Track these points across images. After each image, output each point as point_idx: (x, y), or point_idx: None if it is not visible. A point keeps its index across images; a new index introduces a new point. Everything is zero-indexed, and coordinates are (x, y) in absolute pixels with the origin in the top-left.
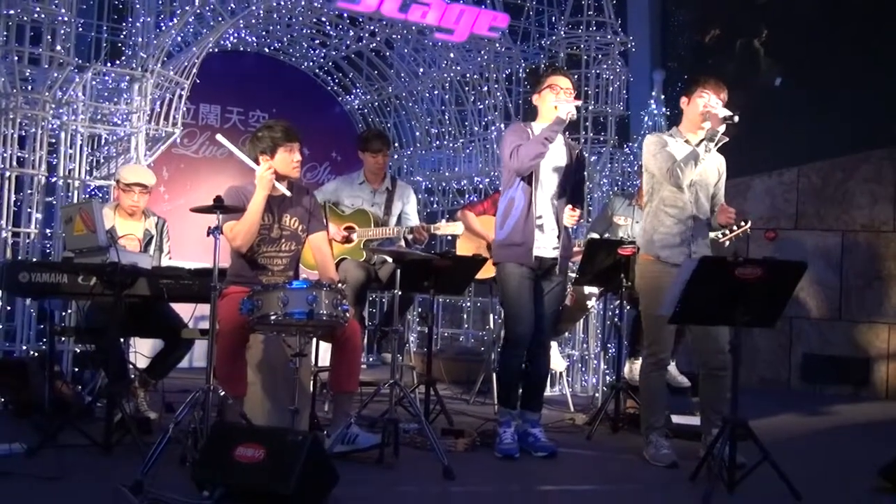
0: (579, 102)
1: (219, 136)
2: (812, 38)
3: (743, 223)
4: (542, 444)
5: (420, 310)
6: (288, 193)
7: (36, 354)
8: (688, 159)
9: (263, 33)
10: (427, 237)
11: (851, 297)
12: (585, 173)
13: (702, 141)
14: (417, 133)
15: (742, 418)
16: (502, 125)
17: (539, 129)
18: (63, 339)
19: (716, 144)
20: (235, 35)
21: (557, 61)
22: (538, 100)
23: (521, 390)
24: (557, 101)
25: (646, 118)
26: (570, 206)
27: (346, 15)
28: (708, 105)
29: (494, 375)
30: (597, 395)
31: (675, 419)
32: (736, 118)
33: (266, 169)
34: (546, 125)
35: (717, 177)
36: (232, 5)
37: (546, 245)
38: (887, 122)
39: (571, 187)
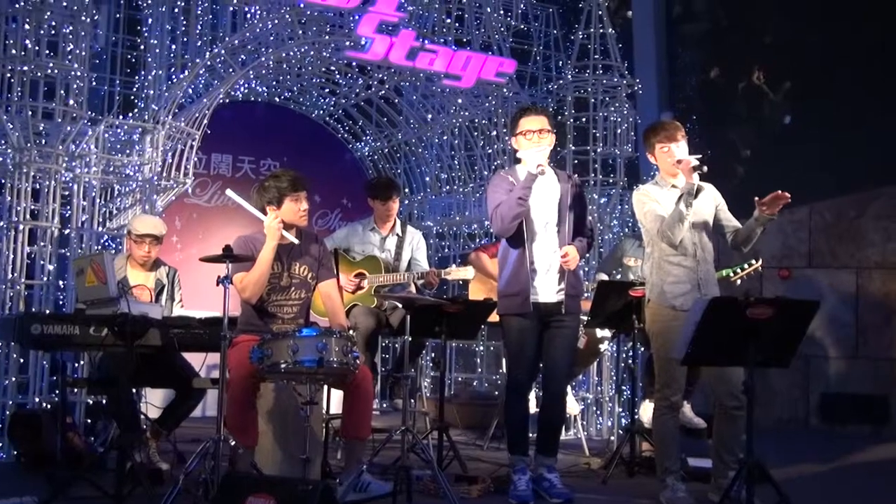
0: (548, 147)
1: (228, 192)
2: (821, 75)
3: (754, 261)
4: (557, 490)
5: (433, 355)
6: (296, 241)
7: (48, 406)
8: (673, 221)
9: (274, 83)
10: (438, 283)
11: (868, 335)
12: (587, 204)
13: (681, 197)
14: (427, 178)
15: (759, 460)
16: None
17: (523, 174)
18: (75, 390)
19: (696, 196)
20: (246, 85)
21: (565, 105)
22: (515, 144)
23: (536, 435)
24: (525, 151)
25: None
26: (562, 250)
27: (354, 64)
28: (673, 157)
29: None
30: (612, 438)
31: (692, 462)
32: (705, 168)
33: (273, 219)
34: (525, 175)
35: (714, 209)
36: (242, 56)
37: (546, 289)
38: None
39: (573, 223)
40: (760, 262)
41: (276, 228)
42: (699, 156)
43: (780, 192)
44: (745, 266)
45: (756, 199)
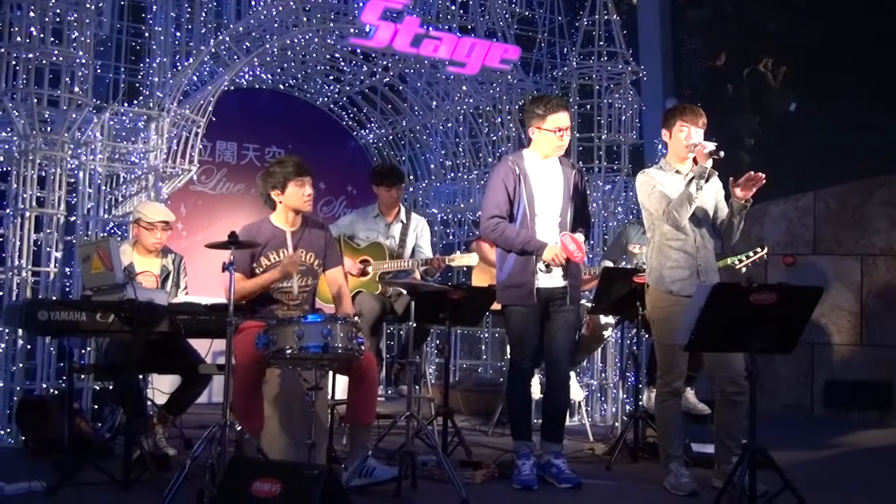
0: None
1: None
2: (826, 62)
3: (759, 249)
4: (566, 475)
5: (437, 341)
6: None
7: (56, 392)
8: (681, 201)
9: (278, 70)
10: (442, 269)
11: (872, 322)
12: (588, 193)
13: (691, 180)
14: (432, 165)
15: (762, 445)
16: None
17: (531, 161)
18: (82, 376)
19: (706, 180)
20: (251, 73)
21: (570, 92)
22: (537, 135)
23: (541, 422)
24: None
25: (660, 146)
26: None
27: (359, 51)
28: (690, 140)
29: None
30: (616, 424)
31: (695, 447)
32: (721, 153)
33: (291, 259)
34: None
35: (716, 199)
36: (247, 44)
37: (553, 276)
38: None
39: (574, 212)
40: (766, 250)
41: (292, 267)
42: (716, 143)
43: (752, 172)
44: (751, 254)
45: (731, 179)
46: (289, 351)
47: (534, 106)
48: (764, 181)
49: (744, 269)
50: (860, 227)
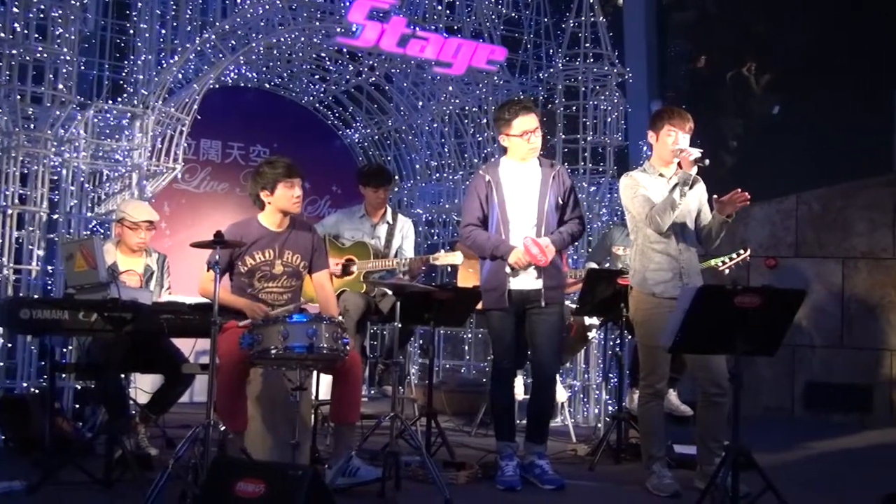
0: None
1: None
2: (809, 65)
3: (742, 251)
4: (549, 477)
5: (421, 342)
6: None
7: (37, 391)
8: (664, 207)
9: (264, 69)
10: (422, 270)
11: (853, 325)
12: (574, 190)
13: (675, 186)
14: (417, 166)
15: (744, 447)
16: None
17: (506, 169)
18: (64, 375)
19: (690, 187)
20: (236, 71)
21: (556, 93)
22: (506, 142)
23: (525, 423)
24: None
25: (644, 148)
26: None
27: (345, 50)
28: (676, 145)
29: None
30: (599, 425)
31: (677, 449)
32: (707, 161)
33: (260, 310)
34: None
35: (699, 202)
36: (232, 42)
37: (523, 279)
38: (885, 148)
39: (561, 212)
40: (748, 252)
41: (253, 316)
42: (701, 150)
43: (739, 190)
44: (734, 256)
45: (715, 196)
46: (274, 351)
47: (500, 113)
48: (748, 202)
49: (727, 271)
50: (842, 230)
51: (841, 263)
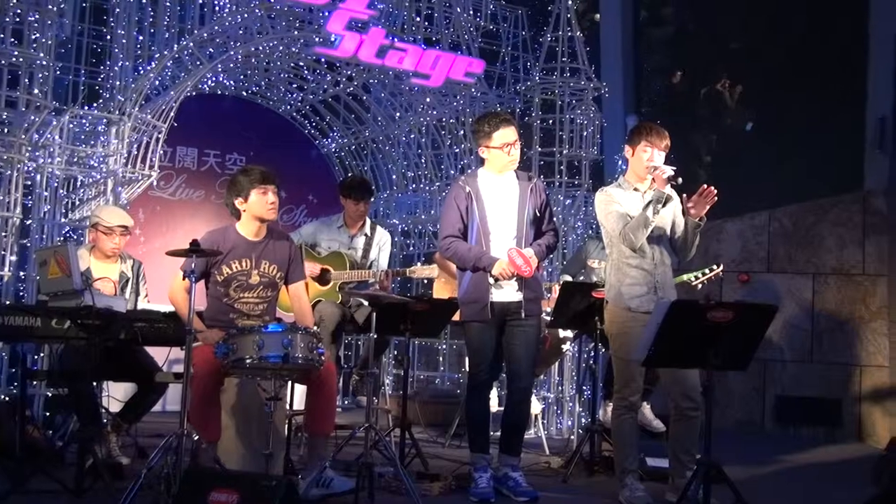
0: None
1: None
2: (782, 82)
3: (715, 266)
4: (522, 489)
5: (396, 353)
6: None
7: (7, 399)
8: (638, 225)
9: (241, 77)
10: (389, 286)
11: (823, 340)
12: (549, 203)
13: (649, 203)
14: (394, 176)
15: (715, 460)
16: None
17: (485, 179)
18: (35, 382)
19: (664, 205)
20: (213, 79)
21: (532, 106)
22: (486, 154)
23: (500, 434)
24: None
25: (619, 162)
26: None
27: (323, 60)
28: (651, 162)
29: None
30: (572, 437)
31: (650, 462)
32: (680, 179)
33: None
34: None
35: (673, 216)
36: (210, 50)
37: (505, 291)
38: (856, 166)
39: (537, 224)
40: (721, 267)
41: (210, 341)
42: (674, 168)
43: (705, 185)
44: (707, 271)
45: (684, 195)
46: (248, 360)
47: (479, 125)
48: (716, 198)
49: (699, 286)
50: (813, 246)
51: (811, 279)
